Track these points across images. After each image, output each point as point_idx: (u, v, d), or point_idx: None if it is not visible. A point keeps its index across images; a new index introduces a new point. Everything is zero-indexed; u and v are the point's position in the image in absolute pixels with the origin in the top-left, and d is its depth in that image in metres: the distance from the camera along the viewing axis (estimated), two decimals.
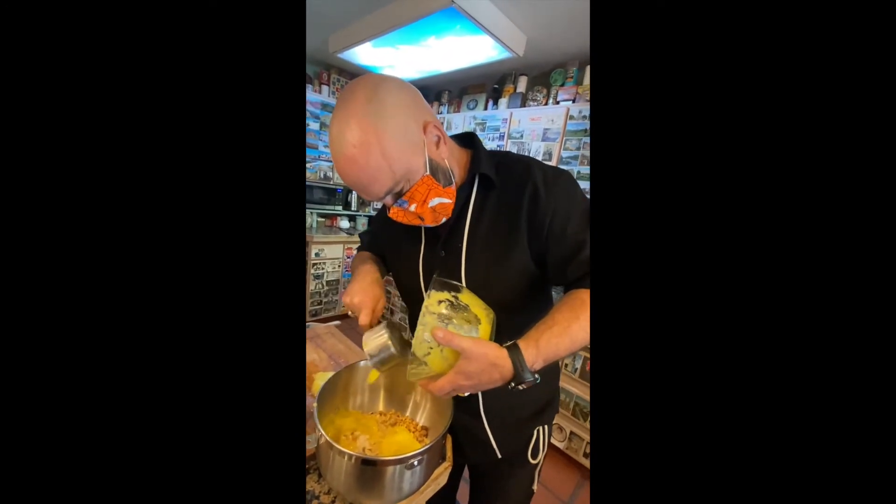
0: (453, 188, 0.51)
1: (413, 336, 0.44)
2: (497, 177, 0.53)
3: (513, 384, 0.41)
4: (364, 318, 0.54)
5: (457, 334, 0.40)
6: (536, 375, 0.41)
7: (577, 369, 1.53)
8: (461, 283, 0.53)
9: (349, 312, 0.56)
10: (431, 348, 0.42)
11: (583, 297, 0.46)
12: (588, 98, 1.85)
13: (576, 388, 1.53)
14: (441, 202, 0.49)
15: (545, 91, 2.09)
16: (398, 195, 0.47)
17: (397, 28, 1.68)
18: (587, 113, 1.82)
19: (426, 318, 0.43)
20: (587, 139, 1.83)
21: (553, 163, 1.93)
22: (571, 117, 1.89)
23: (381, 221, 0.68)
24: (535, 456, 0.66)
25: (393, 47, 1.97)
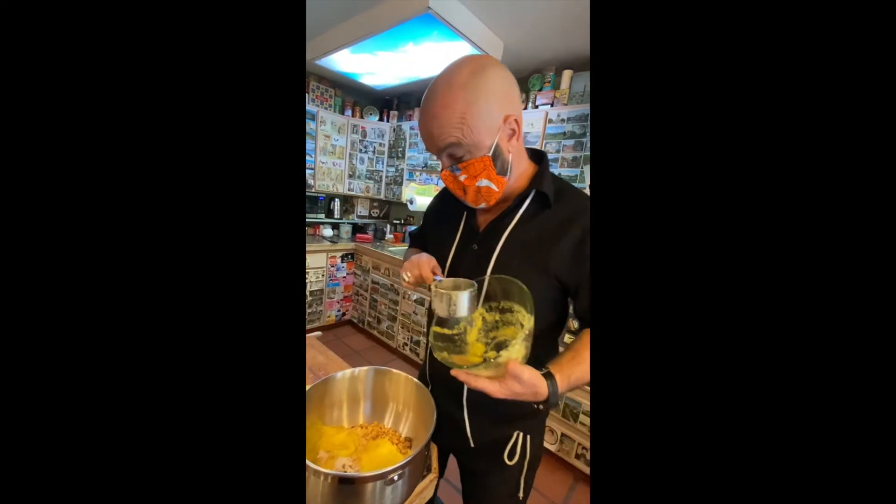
0: (505, 180, 0.54)
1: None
2: (554, 200, 0.56)
3: (540, 406, 0.47)
4: (426, 265, 0.58)
5: (523, 365, 0.44)
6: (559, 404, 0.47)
7: None
8: (484, 281, 0.56)
9: (404, 275, 0.61)
10: (487, 355, 0.46)
11: None
12: (565, 102, 1.89)
13: None
14: (488, 186, 0.53)
15: (524, 96, 2.11)
16: (458, 160, 0.51)
17: (375, 34, 1.67)
18: (565, 116, 1.86)
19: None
20: (566, 142, 1.86)
21: None
22: (550, 121, 1.92)
23: (429, 216, 0.77)
24: (511, 458, 0.65)
25: (371, 54, 1.96)
